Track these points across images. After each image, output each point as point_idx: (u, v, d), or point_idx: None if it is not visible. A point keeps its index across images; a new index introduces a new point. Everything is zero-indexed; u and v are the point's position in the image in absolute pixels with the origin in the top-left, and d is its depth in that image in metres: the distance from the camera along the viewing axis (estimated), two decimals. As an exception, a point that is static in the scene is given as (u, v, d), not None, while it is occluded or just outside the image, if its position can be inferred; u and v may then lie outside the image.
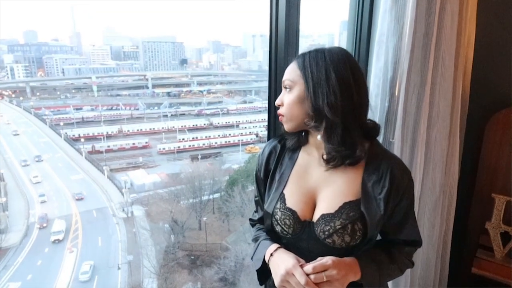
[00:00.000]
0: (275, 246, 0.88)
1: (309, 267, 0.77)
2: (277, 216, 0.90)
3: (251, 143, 19.53)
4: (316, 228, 0.85)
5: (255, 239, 0.99)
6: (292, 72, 0.87)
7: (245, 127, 21.66)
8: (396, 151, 1.28)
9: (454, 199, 1.55)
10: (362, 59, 1.46)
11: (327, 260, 0.77)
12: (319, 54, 0.84)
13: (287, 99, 0.87)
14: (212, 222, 13.17)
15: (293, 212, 0.88)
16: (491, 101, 1.60)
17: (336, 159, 0.84)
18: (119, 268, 10.95)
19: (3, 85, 22.12)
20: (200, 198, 13.59)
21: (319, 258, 0.79)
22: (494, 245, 1.55)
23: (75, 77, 24.76)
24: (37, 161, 15.96)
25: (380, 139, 1.30)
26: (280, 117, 0.90)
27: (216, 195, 13.81)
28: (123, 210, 13.52)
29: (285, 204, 0.89)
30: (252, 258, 0.96)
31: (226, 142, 19.90)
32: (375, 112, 1.30)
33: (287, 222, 0.88)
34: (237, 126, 21.83)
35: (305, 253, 0.87)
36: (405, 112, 1.26)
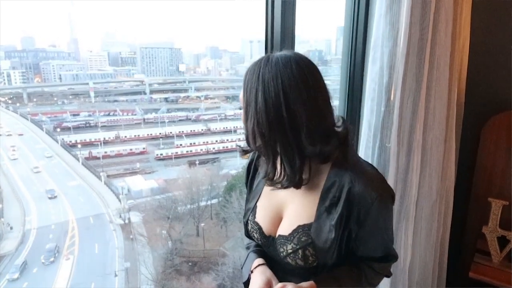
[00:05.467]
0: (256, 263, 0.88)
1: None
2: (248, 227, 0.91)
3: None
4: (277, 246, 0.84)
5: (247, 248, 0.99)
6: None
7: (243, 133, 21.57)
8: (392, 155, 1.28)
9: (450, 203, 1.55)
10: (358, 64, 1.47)
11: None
12: (256, 69, 0.76)
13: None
14: (210, 228, 13.10)
15: (259, 226, 0.88)
16: (486, 105, 1.61)
17: (273, 182, 0.80)
18: (116, 275, 10.85)
19: (0, 91, 22.06)
20: (197, 204, 13.53)
21: (279, 285, 0.76)
22: (491, 249, 1.54)
23: (72, 83, 24.73)
24: (35, 172, 15.69)
25: (376, 143, 1.30)
26: None
27: (214, 201, 13.75)
28: (120, 217, 13.41)
29: (254, 218, 0.90)
30: (242, 268, 0.95)
31: (223, 147, 19.85)
32: (371, 117, 1.30)
33: (255, 235, 0.90)
34: (235, 131, 21.79)
35: (280, 263, 0.87)
36: (401, 116, 1.26)
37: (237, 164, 17.35)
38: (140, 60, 28.25)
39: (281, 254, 0.83)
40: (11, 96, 22.45)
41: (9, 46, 24.58)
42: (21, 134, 18.50)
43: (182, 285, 10.75)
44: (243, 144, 0.88)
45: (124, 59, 28.59)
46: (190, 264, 11.53)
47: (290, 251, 0.80)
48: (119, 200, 14.09)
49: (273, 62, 0.75)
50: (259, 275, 0.83)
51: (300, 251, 0.79)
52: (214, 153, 19.39)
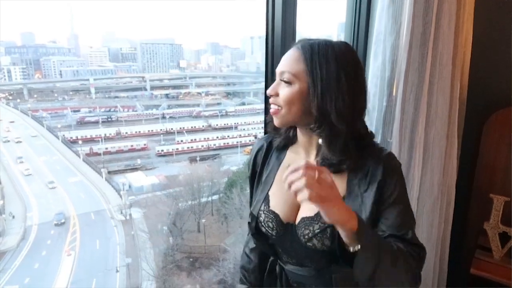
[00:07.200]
0: None
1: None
2: (261, 218, 0.88)
3: (249, 145, 19.49)
4: (298, 231, 0.83)
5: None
6: (294, 64, 0.77)
7: (244, 129, 21.66)
8: (394, 151, 1.27)
9: (452, 199, 1.55)
10: (360, 58, 1.45)
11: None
12: (329, 50, 0.76)
13: (285, 93, 0.78)
14: (211, 224, 13.13)
15: (276, 215, 0.86)
16: (489, 100, 1.59)
17: (329, 166, 0.78)
18: (117, 271, 10.90)
19: (0, 87, 22.07)
20: (198, 200, 13.56)
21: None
22: (493, 245, 1.54)
23: (72, 79, 24.73)
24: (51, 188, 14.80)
25: (378, 139, 1.29)
26: (272, 109, 0.82)
27: (215, 197, 13.78)
28: (121, 213, 13.47)
29: (269, 207, 0.87)
30: None
31: (224, 143, 19.89)
32: (373, 112, 1.29)
33: (270, 224, 0.86)
34: (236, 127, 21.82)
35: (291, 253, 0.86)
36: (403, 111, 1.25)
37: (238, 160, 17.39)
38: (141, 56, 28.22)
39: (306, 237, 0.80)
40: (12, 92, 22.45)
41: (9, 42, 24.58)
42: (12, 121, 18.90)
43: (183, 280, 10.80)
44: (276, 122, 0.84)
45: (124, 55, 28.57)
46: (191, 260, 11.58)
47: (318, 230, 0.79)
48: (120, 196, 14.14)
49: (341, 46, 0.79)
50: None
51: (328, 230, 0.77)
52: (215, 150, 19.42)
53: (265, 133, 1.37)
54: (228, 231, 12.78)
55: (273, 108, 0.81)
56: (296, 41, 0.83)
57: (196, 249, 12.04)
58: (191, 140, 20.04)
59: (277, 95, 0.80)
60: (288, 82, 0.78)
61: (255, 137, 20.27)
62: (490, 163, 1.61)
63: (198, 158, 18.04)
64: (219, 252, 11.59)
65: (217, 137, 20.39)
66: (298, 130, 0.87)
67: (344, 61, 0.76)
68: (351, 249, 0.67)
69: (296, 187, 0.62)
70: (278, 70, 0.81)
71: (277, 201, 0.87)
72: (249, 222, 1.00)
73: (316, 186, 0.61)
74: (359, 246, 0.66)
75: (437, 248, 1.56)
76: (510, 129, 1.53)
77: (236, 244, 11.29)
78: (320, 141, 0.79)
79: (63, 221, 12.80)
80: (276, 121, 0.82)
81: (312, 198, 0.60)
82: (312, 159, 0.85)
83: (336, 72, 0.75)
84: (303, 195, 0.61)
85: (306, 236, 0.80)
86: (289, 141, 0.90)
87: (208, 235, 12.60)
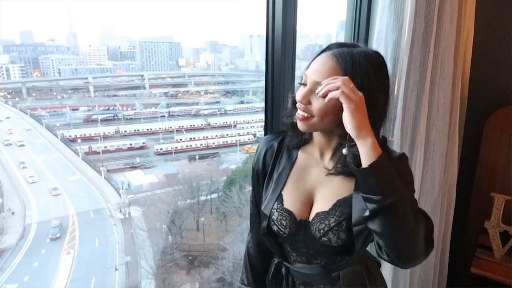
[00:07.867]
0: None
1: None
2: (273, 216, 0.88)
3: (248, 143, 19.49)
4: (312, 227, 0.84)
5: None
6: (332, 75, 0.72)
7: (243, 127, 21.63)
8: (395, 149, 1.26)
9: (453, 198, 1.55)
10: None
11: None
12: (368, 62, 0.74)
13: (320, 104, 0.74)
14: (210, 223, 13.14)
15: (290, 212, 0.86)
16: (489, 99, 1.59)
17: (346, 171, 0.79)
18: (116, 269, 10.90)
19: (-1, 85, 22.01)
20: (197, 199, 13.55)
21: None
22: (493, 244, 1.54)
23: (71, 77, 24.66)
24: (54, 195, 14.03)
25: (379, 137, 1.29)
26: (301, 116, 0.78)
27: (214, 196, 13.77)
28: (121, 211, 13.46)
29: (282, 205, 0.88)
30: None
31: (223, 142, 19.86)
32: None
33: (284, 222, 0.87)
34: (235, 126, 21.79)
35: (303, 251, 0.87)
36: (405, 110, 1.25)
37: (237, 159, 17.38)
38: (140, 54, 28.15)
39: (321, 232, 0.82)
40: (10, 91, 22.38)
41: (8, 40, 24.49)
42: (8, 117, 18.90)
43: (182, 279, 10.81)
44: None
45: (123, 54, 28.51)
46: (190, 258, 11.58)
47: (333, 224, 0.80)
48: (119, 195, 14.12)
49: (377, 56, 0.79)
50: None
51: (344, 223, 0.79)
52: (214, 148, 19.40)
53: (265, 131, 1.37)
54: (227, 230, 12.79)
55: (302, 114, 0.78)
56: (325, 46, 0.81)
57: (195, 248, 12.04)
58: (190, 138, 20.00)
59: (308, 103, 0.77)
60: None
61: (254, 135, 20.26)
62: (491, 162, 1.61)
63: (197, 157, 17.99)
64: (218, 250, 11.59)
65: (216, 136, 20.36)
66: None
67: (381, 74, 0.77)
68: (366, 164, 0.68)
69: (332, 86, 0.68)
70: (311, 78, 0.76)
71: (291, 199, 0.88)
72: (251, 219, 1.00)
73: (348, 89, 0.67)
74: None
75: (437, 247, 1.56)
76: (511, 127, 1.53)
77: (235, 243, 11.30)
78: (344, 151, 0.77)
79: (58, 235, 11.99)
80: (303, 127, 0.79)
81: (343, 95, 0.66)
82: (327, 161, 0.85)
83: (375, 87, 0.74)
84: (335, 93, 0.67)
85: (322, 231, 0.82)
86: (303, 141, 0.90)
87: (207, 234, 12.61)
